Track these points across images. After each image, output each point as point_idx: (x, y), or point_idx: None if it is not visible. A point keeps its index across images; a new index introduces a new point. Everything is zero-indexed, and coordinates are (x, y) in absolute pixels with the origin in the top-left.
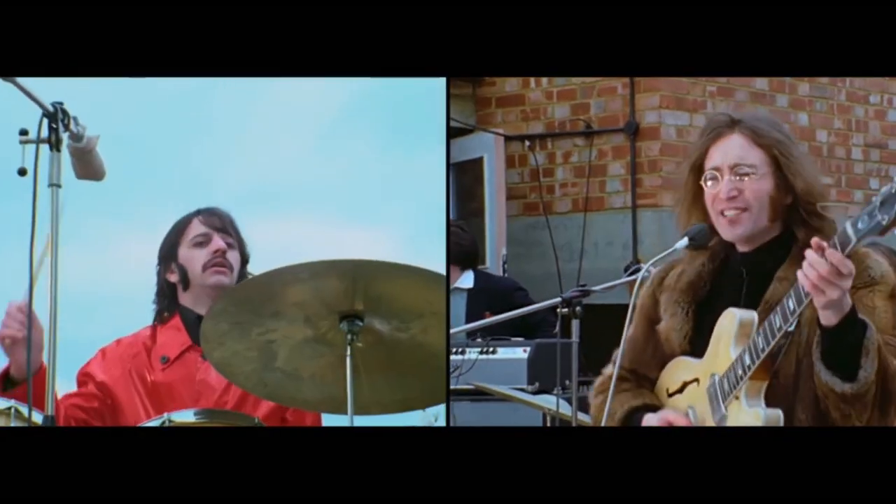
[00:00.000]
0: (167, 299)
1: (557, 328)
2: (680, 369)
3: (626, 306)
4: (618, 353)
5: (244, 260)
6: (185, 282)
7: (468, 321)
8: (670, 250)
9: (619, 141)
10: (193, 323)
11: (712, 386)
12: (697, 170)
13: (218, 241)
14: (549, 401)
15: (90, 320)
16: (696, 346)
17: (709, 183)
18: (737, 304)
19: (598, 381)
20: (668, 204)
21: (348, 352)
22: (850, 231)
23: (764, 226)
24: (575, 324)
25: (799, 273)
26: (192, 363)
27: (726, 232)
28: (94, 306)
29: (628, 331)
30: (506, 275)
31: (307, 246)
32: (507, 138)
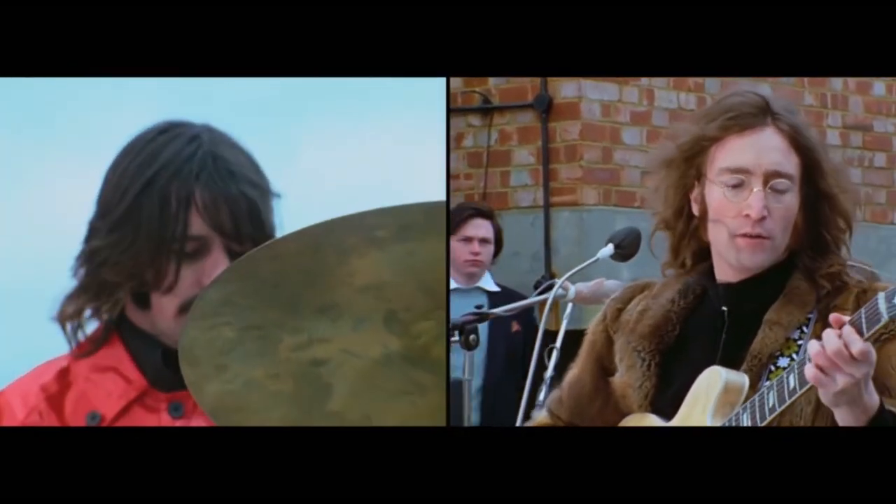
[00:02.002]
0: (102, 300)
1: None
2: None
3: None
4: (549, 396)
5: None
6: (142, 299)
7: None
8: (591, 261)
9: (528, 120)
10: (151, 354)
11: None
12: (692, 158)
13: (218, 264)
14: None
15: None
16: (660, 405)
17: (729, 189)
18: (714, 355)
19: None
20: (591, 202)
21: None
22: (882, 306)
23: (779, 256)
24: (468, 356)
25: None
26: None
27: (742, 256)
28: None
29: (571, 370)
30: None
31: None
32: None
